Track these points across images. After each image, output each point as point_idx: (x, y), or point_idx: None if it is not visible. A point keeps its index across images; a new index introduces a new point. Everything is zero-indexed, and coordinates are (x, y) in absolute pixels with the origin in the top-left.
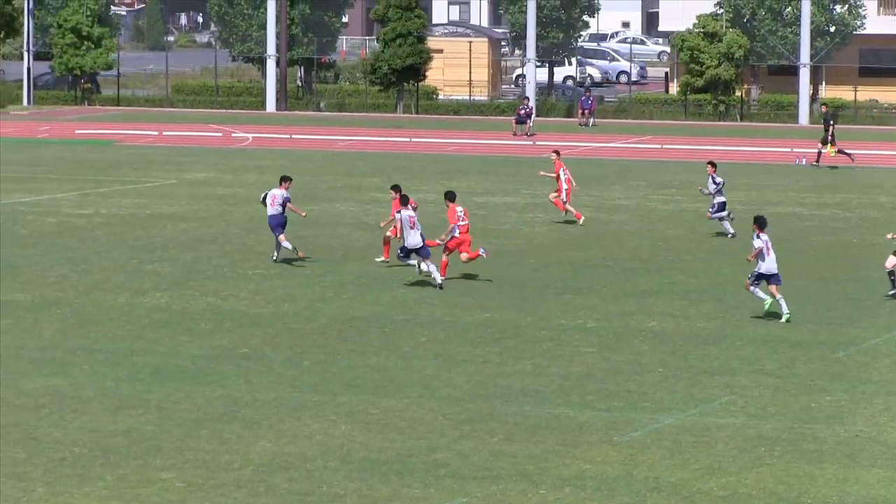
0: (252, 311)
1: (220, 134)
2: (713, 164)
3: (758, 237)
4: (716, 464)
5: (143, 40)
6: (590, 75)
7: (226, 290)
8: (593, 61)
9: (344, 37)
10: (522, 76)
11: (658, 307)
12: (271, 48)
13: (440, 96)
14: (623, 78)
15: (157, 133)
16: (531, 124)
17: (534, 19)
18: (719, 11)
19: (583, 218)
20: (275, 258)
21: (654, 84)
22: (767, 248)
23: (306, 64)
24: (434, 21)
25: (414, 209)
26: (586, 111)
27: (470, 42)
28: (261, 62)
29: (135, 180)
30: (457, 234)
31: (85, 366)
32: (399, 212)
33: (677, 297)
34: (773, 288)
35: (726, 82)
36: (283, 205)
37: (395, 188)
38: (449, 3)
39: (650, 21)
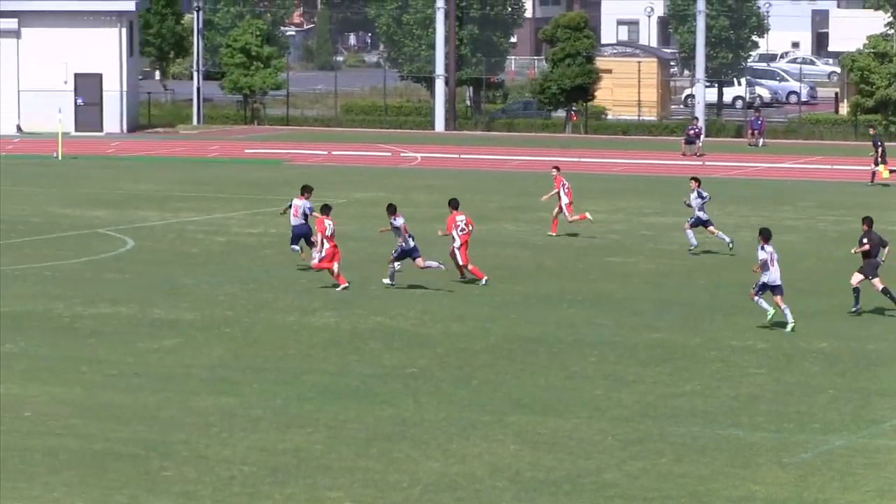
0: (420, 331)
1: (388, 154)
2: (697, 180)
3: (762, 249)
4: (887, 486)
5: (313, 60)
6: (759, 95)
7: (394, 310)
8: (763, 81)
9: (512, 57)
10: (691, 96)
11: (828, 328)
12: (440, 68)
13: (609, 116)
14: (793, 98)
15: (326, 152)
16: (700, 144)
17: (703, 39)
18: (890, 32)
19: (588, 216)
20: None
21: (824, 104)
22: (772, 260)
23: (475, 84)
24: (603, 41)
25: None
26: (756, 131)
27: (639, 62)
28: (429, 82)
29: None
30: (458, 243)
31: (254, 384)
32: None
33: (847, 318)
34: (777, 298)
35: None
36: (306, 216)
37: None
38: (618, 24)
39: (820, 41)
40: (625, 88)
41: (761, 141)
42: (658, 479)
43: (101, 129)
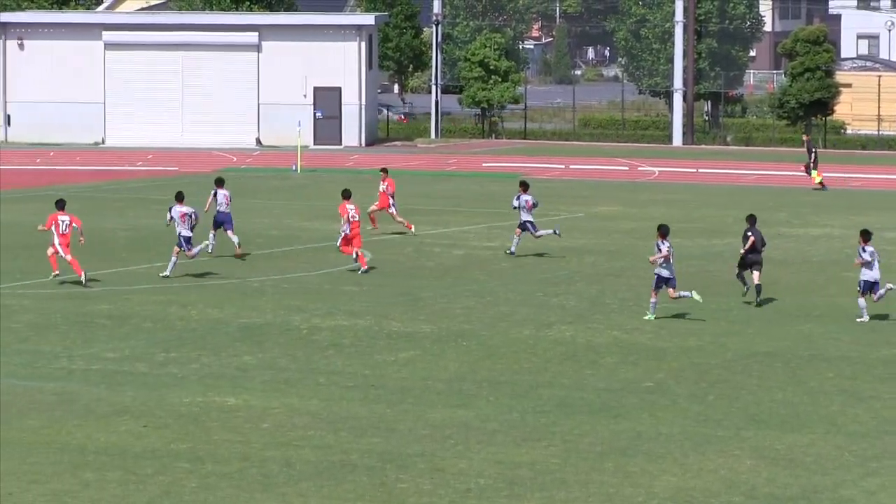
0: (657, 345)
1: (626, 168)
2: (525, 185)
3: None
4: None
5: (551, 74)
6: None
7: (631, 324)
8: None
9: (751, 70)
10: None
11: None
12: (678, 82)
13: (848, 131)
14: None
15: (563, 166)
16: None
17: None
18: None
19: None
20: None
21: None
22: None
23: (713, 98)
24: (842, 55)
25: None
26: None
27: (879, 76)
28: (667, 96)
29: (541, 213)
30: (347, 231)
31: (490, 397)
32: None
33: None
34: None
35: None
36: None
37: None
38: (858, 38)
39: None
40: (865, 103)
41: None
42: None
43: (339, 143)
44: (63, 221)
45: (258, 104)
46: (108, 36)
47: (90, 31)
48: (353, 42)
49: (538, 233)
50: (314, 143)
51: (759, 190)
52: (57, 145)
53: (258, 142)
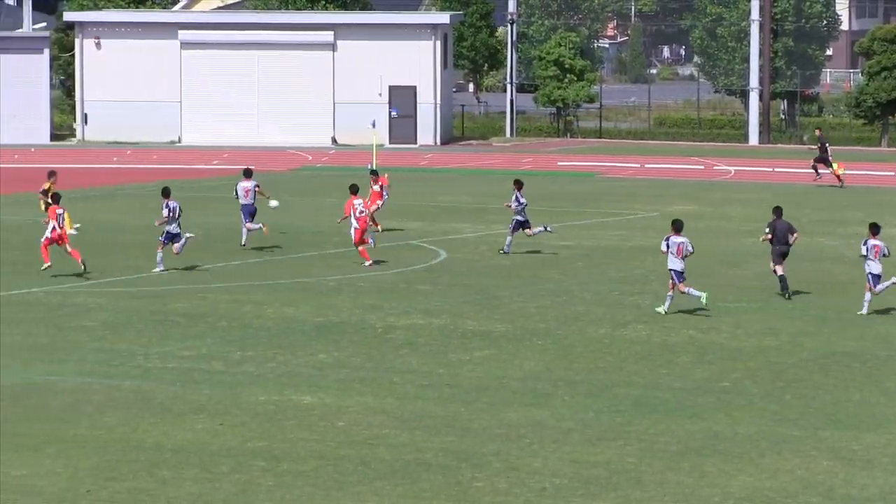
0: (733, 345)
1: (701, 167)
2: (519, 183)
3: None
4: None
5: (626, 73)
6: None
7: (706, 324)
8: None
9: (828, 69)
10: None
11: None
12: (754, 81)
13: None
14: None
15: (638, 165)
16: None
17: None
18: None
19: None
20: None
21: None
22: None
23: (789, 97)
24: None
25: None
26: None
27: None
28: (743, 95)
29: (616, 212)
30: (355, 225)
31: (566, 397)
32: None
33: None
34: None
35: None
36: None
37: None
38: None
39: None
40: None
41: None
42: None
43: (414, 142)
44: (59, 215)
45: (333, 103)
46: (184, 35)
47: (166, 30)
48: (428, 41)
49: (532, 231)
50: (389, 142)
51: (833, 189)
52: (133, 144)
53: (333, 140)
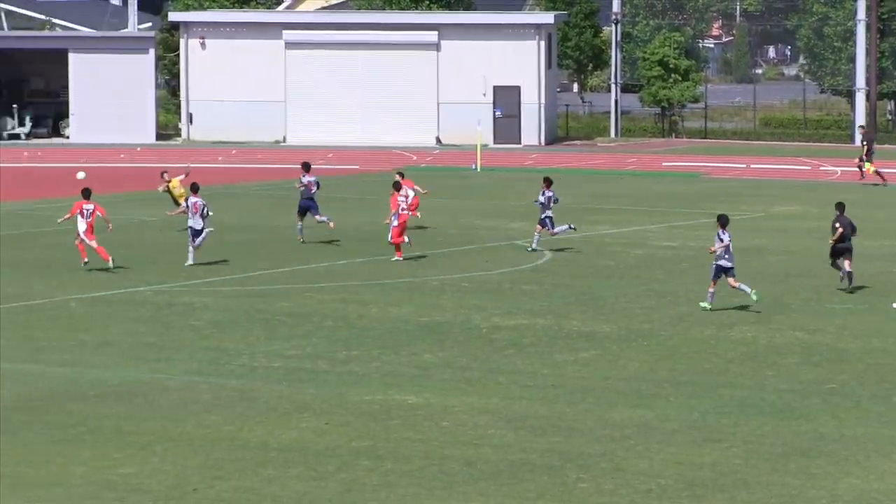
0: (839, 346)
1: (808, 167)
2: (548, 181)
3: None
4: None
5: (731, 72)
6: None
7: (813, 325)
8: None
9: None
10: None
11: None
12: (860, 81)
13: None
14: None
15: (744, 166)
16: None
17: None
18: None
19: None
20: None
21: None
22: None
23: None
24: None
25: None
26: None
27: None
28: (849, 95)
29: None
30: (395, 223)
31: (671, 398)
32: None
33: None
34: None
35: None
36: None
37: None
38: None
39: None
40: None
41: None
42: None
43: (519, 142)
44: (87, 210)
45: (438, 103)
46: (288, 35)
47: (271, 30)
48: (532, 41)
49: (555, 230)
50: (494, 142)
51: None
52: (238, 143)
53: (438, 140)
